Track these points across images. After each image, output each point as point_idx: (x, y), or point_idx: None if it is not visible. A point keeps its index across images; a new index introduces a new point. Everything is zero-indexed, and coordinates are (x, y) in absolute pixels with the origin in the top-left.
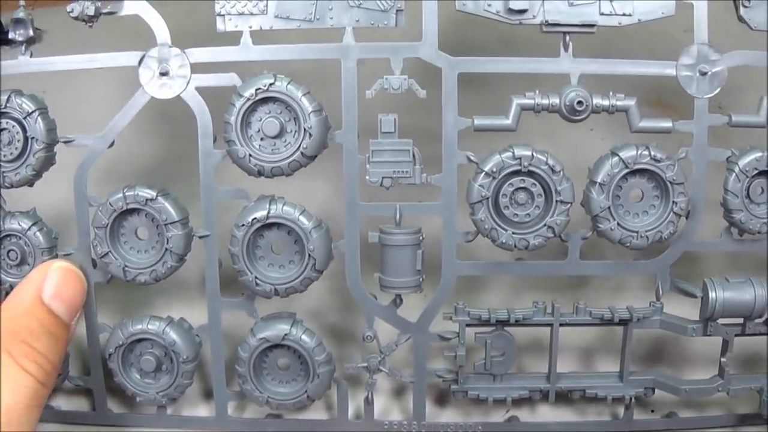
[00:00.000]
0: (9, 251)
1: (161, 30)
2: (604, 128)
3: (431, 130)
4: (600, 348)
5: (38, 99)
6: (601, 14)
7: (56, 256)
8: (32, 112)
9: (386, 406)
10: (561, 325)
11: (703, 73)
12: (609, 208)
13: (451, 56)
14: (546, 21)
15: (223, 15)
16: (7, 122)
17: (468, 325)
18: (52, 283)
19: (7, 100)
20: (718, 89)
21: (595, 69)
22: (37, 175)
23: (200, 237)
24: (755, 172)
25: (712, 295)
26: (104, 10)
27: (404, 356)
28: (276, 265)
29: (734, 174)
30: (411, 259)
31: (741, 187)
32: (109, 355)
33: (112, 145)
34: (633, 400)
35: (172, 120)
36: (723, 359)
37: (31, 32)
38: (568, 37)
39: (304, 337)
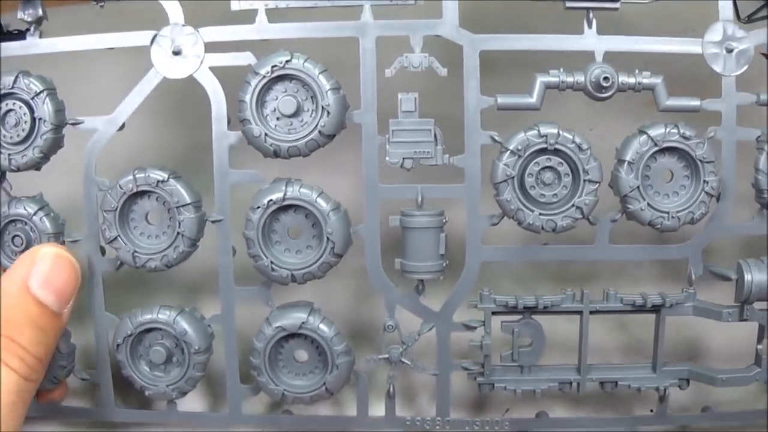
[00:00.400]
0: (14, 237)
1: (174, 9)
2: (603, 127)
3: (451, 112)
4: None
5: (46, 80)
6: None
7: (63, 243)
8: (40, 92)
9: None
10: (591, 312)
11: (730, 51)
12: (638, 187)
13: (472, 33)
14: None
15: None
16: (14, 103)
17: (494, 313)
18: (42, 270)
19: (15, 80)
20: (745, 67)
21: (621, 46)
22: (45, 157)
23: (213, 221)
24: None
25: (747, 277)
26: None
27: (422, 349)
28: (293, 250)
29: (765, 153)
30: (434, 242)
31: None
32: (117, 346)
33: (122, 128)
34: (667, 392)
35: (184, 102)
36: (760, 346)
37: (40, 12)
38: (591, 14)
39: (322, 326)
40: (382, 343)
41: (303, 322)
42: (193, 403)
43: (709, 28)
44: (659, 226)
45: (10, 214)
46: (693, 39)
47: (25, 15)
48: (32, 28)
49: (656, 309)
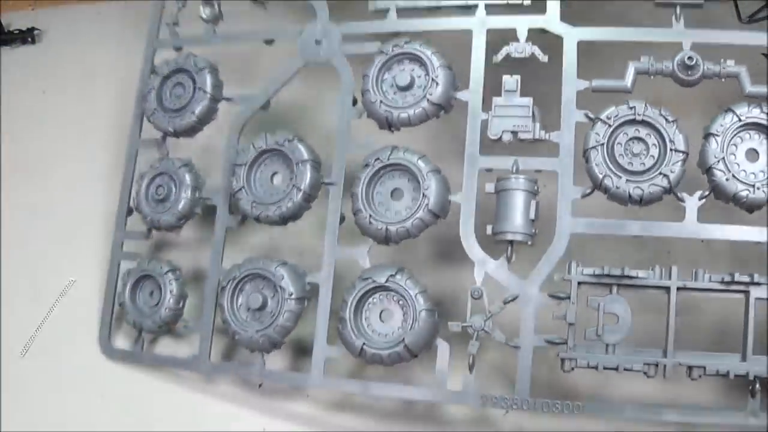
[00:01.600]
0: (157, 187)
1: (321, 8)
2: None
3: (548, 97)
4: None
5: (210, 61)
6: None
7: (199, 198)
8: (203, 68)
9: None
10: (679, 289)
11: None
12: (723, 159)
13: (571, 25)
14: None
15: None
16: (183, 77)
17: (580, 284)
18: None
19: (186, 58)
20: None
21: (706, 37)
22: (200, 123)
23: (327, 184)
24: None
25: None
26: None
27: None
28: (392, 210)
29: None
30: (525, 206)
31: None
32: (222, 289)
33: (266, 105)
34: (758, 383)
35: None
36: None
37: (217, 10)
38: (679, 9)
39: (408, 282)
40: (468, 312)
41: (391, 275)
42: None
43: None
44: (744, 199)
45: (160, 167)
46: None
47: (204, 15)
48: (209, 25)
49: (745, 290)
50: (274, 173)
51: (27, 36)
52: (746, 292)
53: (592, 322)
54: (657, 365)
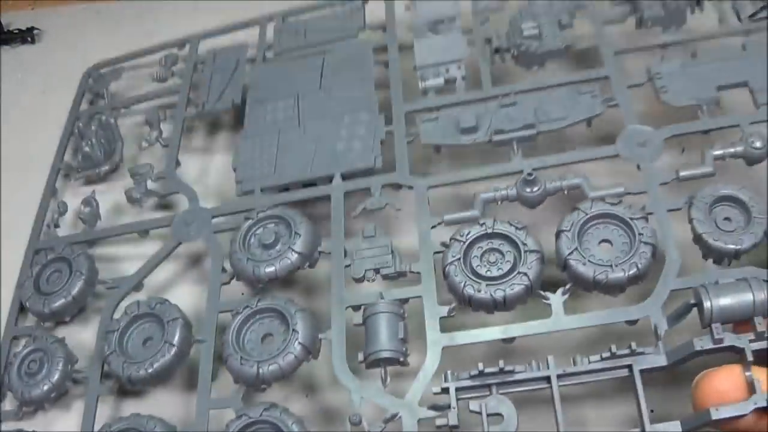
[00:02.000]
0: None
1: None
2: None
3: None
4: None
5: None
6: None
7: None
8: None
9: None
10: (559, 376)
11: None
12: (576, 248)
13: (421, 177)
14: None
15: None
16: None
17: (458, 391)
18: None
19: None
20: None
21: (543, 162)
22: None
23: (198, 341)
24: None
25: (706, 304)
26: None
27: None
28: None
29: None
30: (392, 326)
31: None
32: None
33: (139, 287)
34: None
35: None
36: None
37: (96, 211)
38: (515, 143)
39: (283, 415)
40: None
41: (265, 409)
42: None
43: (620, 133)
44: (605, 279)
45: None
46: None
47: (81, 215)
48: None
49: (628, 364)
50: (147, 338)
51: (27, 36)
52: (629, 366)
53: (478, 427)
54: None
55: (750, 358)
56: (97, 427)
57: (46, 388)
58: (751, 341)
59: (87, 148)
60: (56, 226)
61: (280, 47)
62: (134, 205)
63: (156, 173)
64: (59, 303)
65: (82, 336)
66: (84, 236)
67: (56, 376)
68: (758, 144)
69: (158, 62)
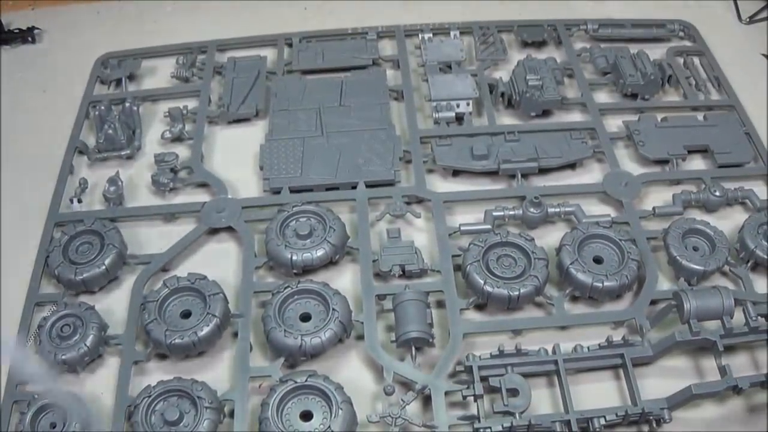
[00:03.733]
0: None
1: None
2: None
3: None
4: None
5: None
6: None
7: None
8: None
9: None
10: (565, 360)
11: (624, 184)
12: (576, 259)
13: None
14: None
15: None
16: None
17: (480, 367)
18: None
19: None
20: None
21: (543, 190)
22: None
23: (235, 316)
24: None
25: (686, 305)
26: None
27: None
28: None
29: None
30: (420, 311)
31: None
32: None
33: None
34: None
35: None
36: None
37: (121, 190)
38: (519, 173)
39: (325, 380)
40: (381, 407)
41: (310, 375)
42: None
43: (606, 175)
44: (600, 285)
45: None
46: (596, 184)
47: (107, 192)
48: None
49: (620, 353)
50: (185, 310)
51: (27, 36)
52: (621, 355)
53: (495, 401)
54: (563, 421)
55: (721, 348)
56: (128, 392)
57: (81, 351)
58: (721, 336)
59: (111, 131)
60: (79, 201)
61: (299, 64)
62: (159, 189)
63: (181, 162)
64: (92, 273)
65: (104, 307)
66: (113, 212)
67: (91, 340)
68: (718, 193)
69: (176, 62)
